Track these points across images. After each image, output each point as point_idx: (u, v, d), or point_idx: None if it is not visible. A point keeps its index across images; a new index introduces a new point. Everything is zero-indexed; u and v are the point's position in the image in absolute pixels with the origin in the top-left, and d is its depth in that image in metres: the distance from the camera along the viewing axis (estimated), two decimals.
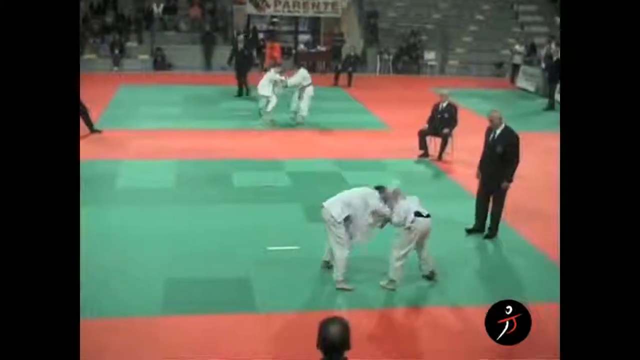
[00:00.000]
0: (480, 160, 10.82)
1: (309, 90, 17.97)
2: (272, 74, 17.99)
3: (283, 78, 17.93)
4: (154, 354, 7.14)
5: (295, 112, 18.17)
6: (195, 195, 12.21)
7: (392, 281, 8.68)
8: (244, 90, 21.97)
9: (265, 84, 17.83)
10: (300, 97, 18.02)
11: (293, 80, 18.02)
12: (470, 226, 10.80)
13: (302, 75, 18.11)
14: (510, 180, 10.48)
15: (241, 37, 23.22)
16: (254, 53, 23.07)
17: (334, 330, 4.04)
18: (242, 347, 7.37)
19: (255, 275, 8.98)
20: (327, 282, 8.86)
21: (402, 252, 8.59)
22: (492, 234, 10.68)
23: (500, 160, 10.42)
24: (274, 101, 17.78)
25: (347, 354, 4.08)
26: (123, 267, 9.00)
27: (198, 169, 13.81)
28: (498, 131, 10.49)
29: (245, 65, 22.36)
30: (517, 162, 10.48)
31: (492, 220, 10.70)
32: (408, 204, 8.67)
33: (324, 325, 4.08)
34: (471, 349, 7.34)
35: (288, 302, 8.36)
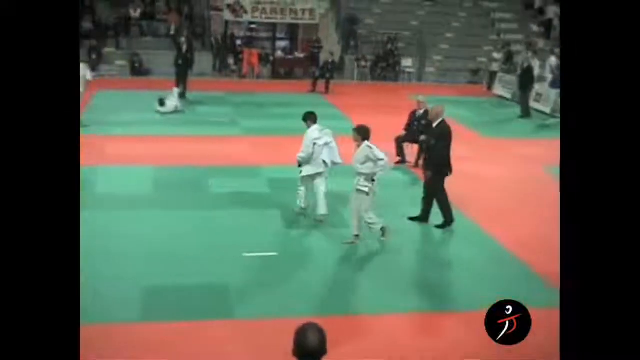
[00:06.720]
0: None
1: None
2: None
3: None
4: None
5: None
6: (172, 202, 12.15)
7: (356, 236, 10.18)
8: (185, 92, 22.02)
9: None
10: None
11: None
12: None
13: None
14: (432, 172, 10.89)
15: (183, 39, 23.20)
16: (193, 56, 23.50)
17: (311, 336, 4.03)
18: (219, 354, 7.36)
19: (232, 282, 8.97)
20: (304, 287, 8.88)
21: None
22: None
23: (431, 151, 11.07)
24: None
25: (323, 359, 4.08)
26: (99, 274, 8.92)
27: (175, 175, 13.74)
28: (434, 125, 11.07)
29: (184, 67, 22.40)
30: (442, 155, 10.83)
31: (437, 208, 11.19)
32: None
33: (301, 332, 4.06)
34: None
35: (265, 308, 8.37)
